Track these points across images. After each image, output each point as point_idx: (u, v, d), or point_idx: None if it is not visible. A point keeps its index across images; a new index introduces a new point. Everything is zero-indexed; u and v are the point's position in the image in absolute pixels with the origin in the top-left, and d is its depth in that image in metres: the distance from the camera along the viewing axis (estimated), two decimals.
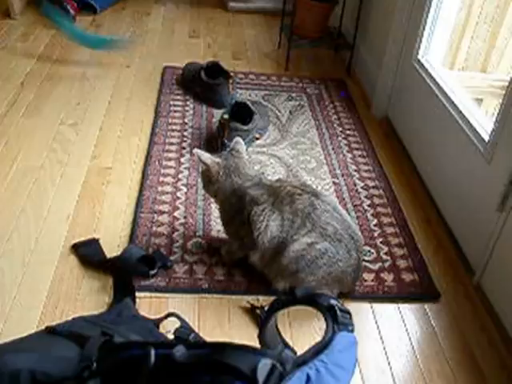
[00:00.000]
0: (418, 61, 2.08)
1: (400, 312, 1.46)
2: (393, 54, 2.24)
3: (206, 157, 1.45)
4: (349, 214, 1.70)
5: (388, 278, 1.54)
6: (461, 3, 2.12)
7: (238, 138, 1.50)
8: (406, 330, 1.41)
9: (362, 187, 1.89)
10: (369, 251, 1.62)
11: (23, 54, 2.54)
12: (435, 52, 2.06)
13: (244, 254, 1.47)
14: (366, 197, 1.85)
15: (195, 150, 1.47)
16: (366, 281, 1.52)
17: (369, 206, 1.81)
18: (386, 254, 1.62)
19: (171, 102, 2.26)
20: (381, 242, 1.66)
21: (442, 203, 1.83)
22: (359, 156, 2.06)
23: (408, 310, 1.47)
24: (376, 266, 1.57)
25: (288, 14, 2.73)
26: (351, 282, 1.44)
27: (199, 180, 1.81)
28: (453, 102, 1.81)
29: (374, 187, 1.90)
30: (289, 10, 2.73)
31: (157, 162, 1.89)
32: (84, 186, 1.77)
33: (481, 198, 1.58)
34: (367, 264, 1.57)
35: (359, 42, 2.65)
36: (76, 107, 2.18)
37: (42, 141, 1.97)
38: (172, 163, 1.90)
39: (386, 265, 1.58)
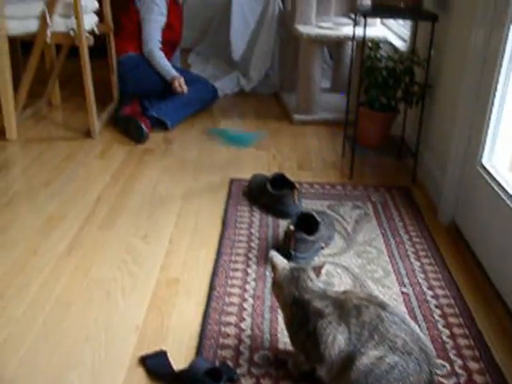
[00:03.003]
0: (483, 166, 2.08)
1: None
2: (456, 159, 2.25)
3: (278, 259, 1.50)
4: (418, 325, 1.67)
5: None
6: None
7: (324, 261, 1.55)
8: None
9: (431, 296, 1.85)
10: (442, 365, 1.55)
11: (100, 170, 2.71)
12: (500, 156, 2.05)
13: (311, 367, 1.44)
14: (435, 306, 1.80)
15: (272, 252, 1.54)
16: None
17: (439, 316, 1.75)
18: (460, 367, 1.55)
19: (238, 214, 2.32)
20: (454, 355, 1.59)
21: None
22: (427, 264, 2.03)
23: None
24: (451, 382, 1.50)
25: (351, 124, 2.82)
26: None
27: (266, 291, 1.83)
28: None
29: (443, 296, 1.85)
30: (351, 121, 2.82)
31: (224, 273, 1.92)
32: (153, 297, 1.81)
33: None
34: (441, 379, 1.50)
35: (422, 148, 2.68)
36: (147, 220, 2.28)
37: (115, 252, 2.05)
38: (239, 274, 1.93)
39: (462, 380, 1.51)
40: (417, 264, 2.03)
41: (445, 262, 2.04)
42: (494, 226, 1.95)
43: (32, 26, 2.92)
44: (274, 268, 1.51)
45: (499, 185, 1.94)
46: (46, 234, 2.15)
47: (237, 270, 1.95)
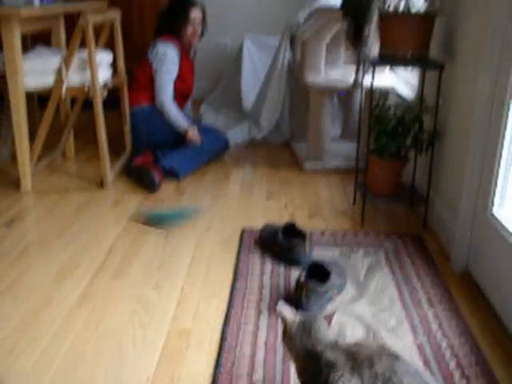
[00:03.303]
0: (493, 215, 2.07)
1: None
2: (467, 208, 2.24)
3: (287, 311, 1.49)
4: (433, 376, 1.63)
5: None
6: None
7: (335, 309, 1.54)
8: None
9: (446, 346, 1.82)
10: None
11: (112, 220, 2.73)
12: (511, 204, 2.05)
13: None
14: (451, 356, 1.77)
15: (280, 303, 1.53)
16: None
17: (455, 366, 1.72)
18: None
19: (249, 263, 2.32)
20: None
21: None
22: (441, 312, 2.00)
23: None
24: None
25: (361, 172, 2.84)
26: None
27: (278, 341, 1.81)
28: None
29: (459, 346, 1.82)
30: (362, 168, 2.84)
31: (236, 323, 1.91)
32: (164, 348, 1.80)
33: None
34: None
35: (433, 195, 2.69)
36: (159, 269, 2.28)
37: (126, 303, 2.05)
38: (251, 324, 1.91)
39: None
40: (430, 312, 2.00)
41: (459, 311, 2.02)
42: (507, 274, 1.93)
43: (48, 80, 3.00)
44: (283, 320, 1.50)
45: (510, 234, 1.93)
46: (58, 284, 2.16)
47: (249, 320, 1.94)
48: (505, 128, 2.00)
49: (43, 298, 2.06)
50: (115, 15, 3.29)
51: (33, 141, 3.10)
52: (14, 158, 3.15)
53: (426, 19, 2.53)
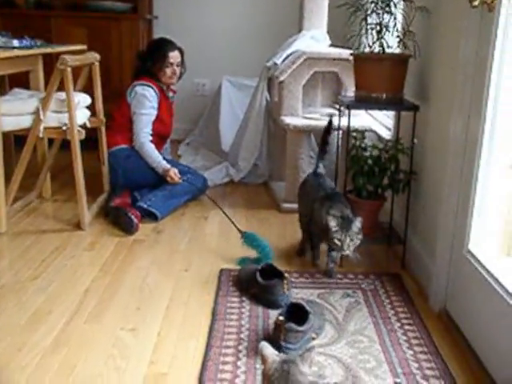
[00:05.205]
0: (469, 251, 2.09)
1: None
2: (444, 246, 2.26)
3: (268, 351, 1.48)
4: None
5: None
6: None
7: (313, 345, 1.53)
8: None
9: None
10: None
11: (89, 262, 2.69)
12: (487, 240, 2.06)
13: None
14: None
15: (262, 343, 1.52)
16: None
17: None
18: None
19: (228, 304, 2.30)
20: None
21: None
22: (420, 352, 1.99)
23: None
24: None
25: None
26: None
27: None
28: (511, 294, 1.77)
29: None
30: None
31: (213, 366, 1.88)
32: None
33: None
34: None
35: (410, 234, 2.70)
36: (136, 312, 2.25)
37: (102, 347, 2.00)
38: (229, 367, 1.88)
39: None
40: (410, 353, 1.99)
41: (438, 350, 2.01)
42: (484, 311, 1.94)
43: (26, 121, 3.00)
44: (263, 361, 1.48)
45: (486, 270, 1.95)
46: (32, 329, 2.10)
47: (227, 362, 1.91)
48: (478, 164, 2.04)
49: (15, 344, 2.01)
50: (94, 58, 3.31)
51: (9, 181, 3.07)
52: None
53: (400, 60, 2.59)
